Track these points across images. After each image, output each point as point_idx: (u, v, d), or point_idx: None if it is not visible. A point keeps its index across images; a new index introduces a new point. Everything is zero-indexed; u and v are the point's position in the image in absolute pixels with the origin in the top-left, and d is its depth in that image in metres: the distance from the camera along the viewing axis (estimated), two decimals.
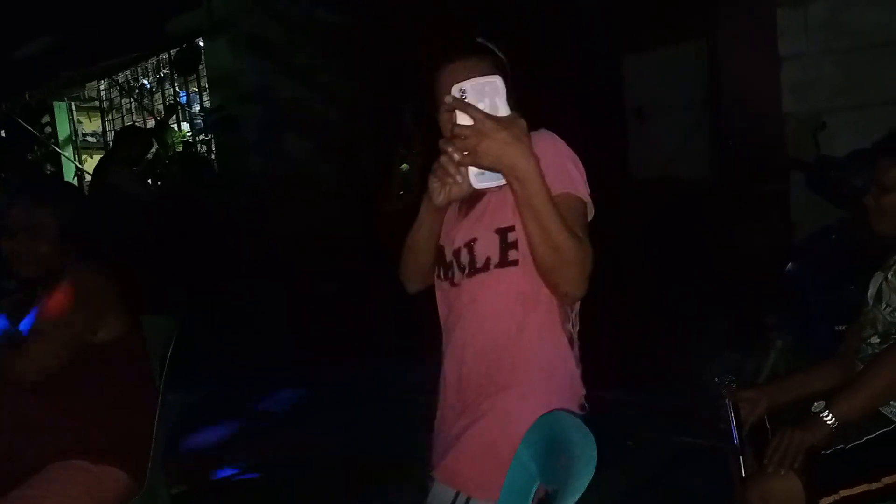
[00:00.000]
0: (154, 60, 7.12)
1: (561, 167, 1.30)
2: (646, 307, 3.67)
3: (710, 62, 4.20)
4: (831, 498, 1.61)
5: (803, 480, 1.61)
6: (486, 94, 1.14)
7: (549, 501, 0.94)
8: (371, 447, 3.27)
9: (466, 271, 1.39)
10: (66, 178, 7.54)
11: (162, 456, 2.03)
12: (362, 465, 3.08)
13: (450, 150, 1.16)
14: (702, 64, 4.32)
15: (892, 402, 1.69)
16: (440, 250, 1.45)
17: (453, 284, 1.42)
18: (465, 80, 1.16)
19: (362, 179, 5.82)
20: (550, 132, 1.39)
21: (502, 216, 1.30)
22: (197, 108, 6.94)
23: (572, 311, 1.41)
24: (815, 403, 1.74)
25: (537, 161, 1.14)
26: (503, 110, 1.14)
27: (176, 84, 7.01)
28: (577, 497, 0.77)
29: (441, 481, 1.39)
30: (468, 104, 1.13)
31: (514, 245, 1.32)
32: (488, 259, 1.35)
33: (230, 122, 5.71)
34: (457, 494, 1.32)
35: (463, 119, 1.13)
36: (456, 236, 1.41)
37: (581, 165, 1.36)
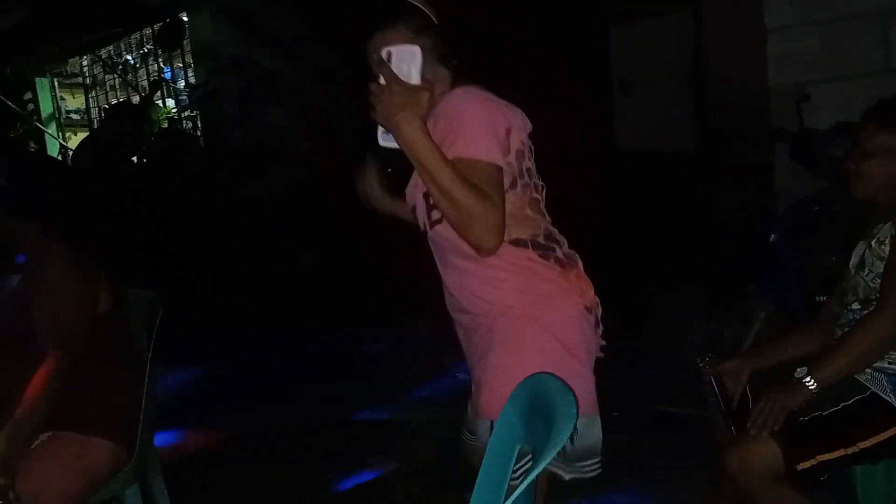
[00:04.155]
0: (137, 35, 7.01)
1: (458, 132, 1.31)
2: (629, 277, 3.70)
3: (695, 34, 4.19)
4: (808, 463, 1.65)
5: (781, 446, 1.65)
6: (404, 60, 1.28)
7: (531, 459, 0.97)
8: (347, 413, 3.32)
9: (422, 230, 1.52)
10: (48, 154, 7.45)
11: (152, 427, 2.05)
12: (340, 431, 3.13)
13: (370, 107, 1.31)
14: (687, 35, 4.31)
15: (867, 370, 1.73)
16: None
17: (421, 232, 1.54)
18: (390, 44, 1.31)
19: (343, 152, 5.78)
20: (468, 90, 1.39)
21: None
22: (182, 83, 6.86)
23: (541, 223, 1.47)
24: (798, 369, 1.78)
25: (423, 127, 1.26)
26: (415, 79, 1.29)
27: (160, 59, 6.92)
28: (557, 449, 0.80)
29: (478, 417, 1.47)
30: (384, 66, 1.28)
31: (435, 206, 1.39)
32: (425, 223, 1.47)
33: (214, 97, 5.65)
34: (491, 423, 1.38)
35: (381, 78, 1.28)
36: (408, 199, 1.55)
37: (498, 119, 1.35)
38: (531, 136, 1.46)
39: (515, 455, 1.00)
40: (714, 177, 3.69)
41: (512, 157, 1.37)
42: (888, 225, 1.77)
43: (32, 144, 7.54)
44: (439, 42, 1.41)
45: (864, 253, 1.84)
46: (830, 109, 2.97)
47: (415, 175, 1.46)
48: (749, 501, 1.72)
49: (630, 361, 3.21)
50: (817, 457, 1.65)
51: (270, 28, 5.84)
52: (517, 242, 1.41)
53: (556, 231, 1.50)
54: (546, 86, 4.46)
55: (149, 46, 6.92)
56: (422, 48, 1.32)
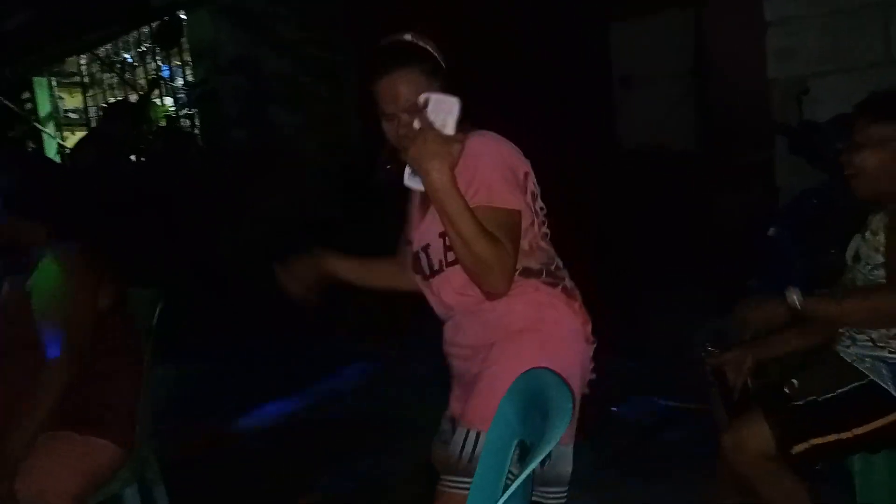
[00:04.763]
0: (135, 34, 7.00)
1: (480, 181, 1.39)
2: (632, 274, 3.69)
3: (696, 30, 4.18)
4: (802, 446, 1.65)
5: (775, 429, 1.65)
6: (442, 109, 1.33)
7: (527, 454, 0.96)
8: (348, 413, 3.34)
9: (429, 273, 1.54)
10: (47, 155, 7.45)
11: (150, 426, 2.04)
12: (340, 430, 3.12)
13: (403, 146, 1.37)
14: (689, 32, 4.31)
15: (867, 358, 1.72)
16: (409, 243, 1.59)
17: (424, 278, 1.56)
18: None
19: (346, 152, 5.78)
20: (487, 136, 1.47)
21: None
22: (180, 82, 6.85)
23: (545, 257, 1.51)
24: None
25: (452, 177, 1.30)
26: (450, 129, 1.32)
27: (158, 58, 6.91)
28: (552, 444, 0.79)
29: (460, 426, 1.50)
30: (424, 112, 1.32)
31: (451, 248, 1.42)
32: (441, 262, 1.49)
33: (212, 96, 5.64)
34: (467, 433, 1.44)
35: (417, 123, 1.33)
36: (415, 238, 1.56)
37: (516, 163, 1.45)
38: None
39: (513, 451, 0.99)
40: (716, 174, 3.69)
41: (528, 198, 1.46)
42: (880, 215, 1.78)
43: (31, 144, 7.54)
44: (447, 86, 1.45)
45: (858, 245, 1.84)
46: (832, 102, 2.96)
47: (429, 215, 1.49)
48: (747, 488, 1.72)
49: (634, 359, 3.21)
50: (811, 440, 1.65)
51: (268, 26, 5.84)
52: (527, 272, 1.48)
53: (560, 263, 1.56)
54: (547, 84, 4.45)
55: (147, 45, 6.91)
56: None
